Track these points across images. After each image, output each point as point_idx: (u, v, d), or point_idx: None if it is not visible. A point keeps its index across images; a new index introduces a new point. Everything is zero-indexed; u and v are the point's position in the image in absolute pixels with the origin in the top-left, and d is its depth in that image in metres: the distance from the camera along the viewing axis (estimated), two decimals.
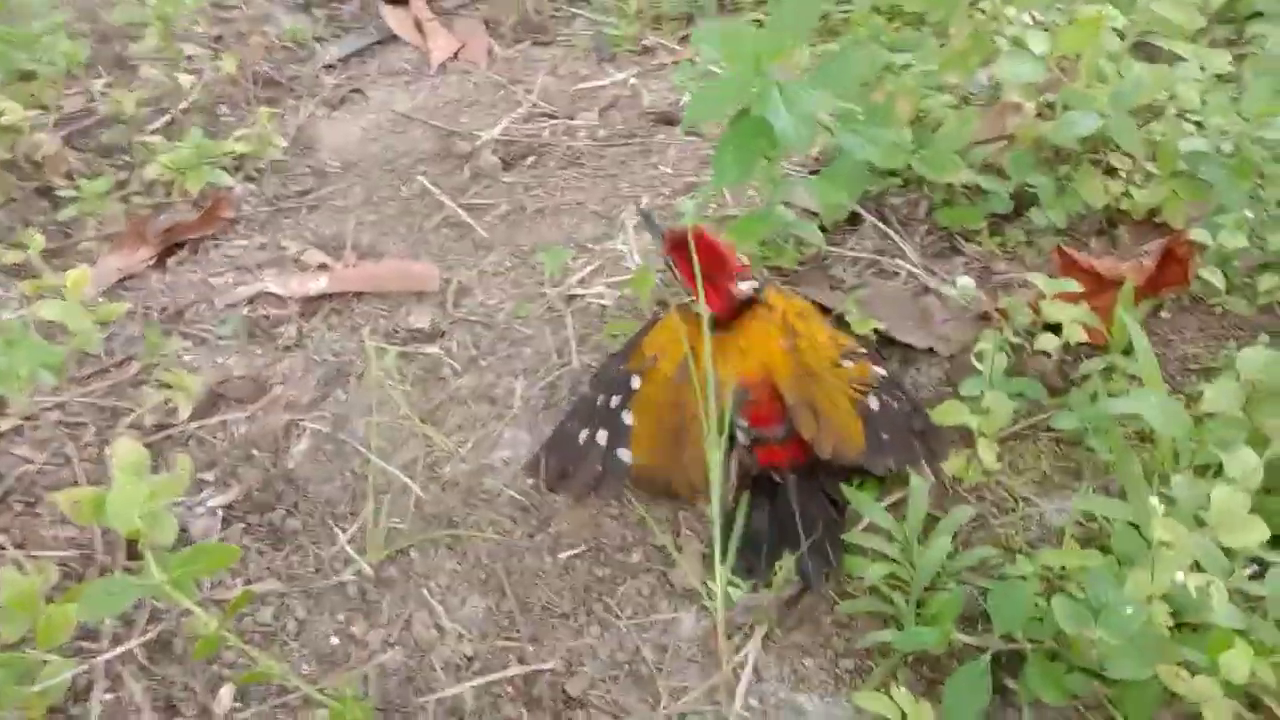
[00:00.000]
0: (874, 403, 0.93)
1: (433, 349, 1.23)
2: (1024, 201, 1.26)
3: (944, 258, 1.25)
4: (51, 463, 1.08)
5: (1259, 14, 1.51)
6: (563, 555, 0.97)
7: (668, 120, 1.60)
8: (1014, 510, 0.95)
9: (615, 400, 0.99)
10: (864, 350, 1.00)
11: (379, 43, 1.90)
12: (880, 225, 1.28)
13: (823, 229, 1.23)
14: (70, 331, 1.10)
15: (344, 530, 1.01)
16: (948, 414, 0.95)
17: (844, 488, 0.92)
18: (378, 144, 1.65)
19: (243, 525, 1.02)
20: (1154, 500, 0.71)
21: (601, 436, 0.98)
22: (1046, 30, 1.18)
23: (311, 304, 1.30)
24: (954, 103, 1.30)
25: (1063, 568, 0.82)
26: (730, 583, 0.88)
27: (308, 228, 1.45)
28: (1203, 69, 1.20)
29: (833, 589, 0.90)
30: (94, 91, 1.71)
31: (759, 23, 1.29)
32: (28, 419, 1.12)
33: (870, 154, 1.05)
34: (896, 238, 1.26)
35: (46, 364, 0.97)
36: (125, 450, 0.86)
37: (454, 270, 1.34)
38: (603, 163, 1.52)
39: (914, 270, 1.22)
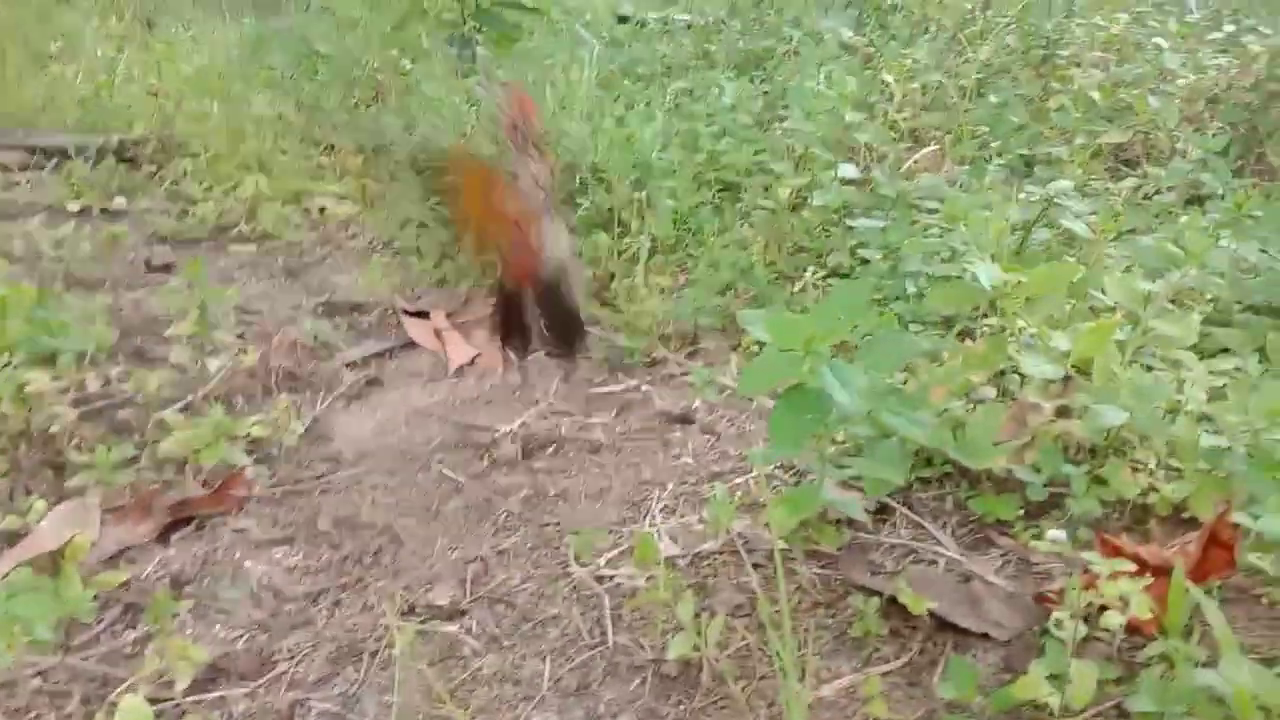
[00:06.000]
0: None
1: (452, 627, 1.16)
2: (1050, 500, 1.27)
3: (979, 549, 1.24)
4: None
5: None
6: None
7: (683, 420, 1.64)
8: None
9: None
10: None
11: (399, 347, 1.97)
12: (910, 516, 1.28)
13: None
14: (64, 599, 1.03)
15: None
16: (1025, 689, 0.89)
17: None
18: (394, 436, 1.66)
19: None
20: None
21: None
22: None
23: (323, 577, 1.24)
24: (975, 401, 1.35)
25: None
26: None
27: (319, 509, 1.42)
28: (1210, 372, 1.27)
29: None
30: (111, 376, 1.73)
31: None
32: (3, 685, 1.01)
33: (916, 434, 1.07)
34: (931, 528, 1.25)
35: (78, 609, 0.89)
36: (131, 710, 0.78)
37: (473, 550, 1.30)
38: (623, 455, 1.53)
39: (954, 558, 1.20)
